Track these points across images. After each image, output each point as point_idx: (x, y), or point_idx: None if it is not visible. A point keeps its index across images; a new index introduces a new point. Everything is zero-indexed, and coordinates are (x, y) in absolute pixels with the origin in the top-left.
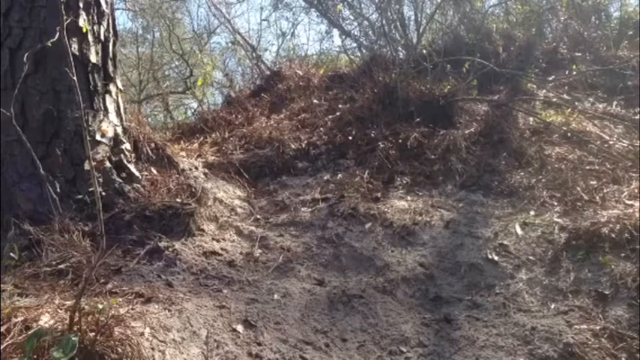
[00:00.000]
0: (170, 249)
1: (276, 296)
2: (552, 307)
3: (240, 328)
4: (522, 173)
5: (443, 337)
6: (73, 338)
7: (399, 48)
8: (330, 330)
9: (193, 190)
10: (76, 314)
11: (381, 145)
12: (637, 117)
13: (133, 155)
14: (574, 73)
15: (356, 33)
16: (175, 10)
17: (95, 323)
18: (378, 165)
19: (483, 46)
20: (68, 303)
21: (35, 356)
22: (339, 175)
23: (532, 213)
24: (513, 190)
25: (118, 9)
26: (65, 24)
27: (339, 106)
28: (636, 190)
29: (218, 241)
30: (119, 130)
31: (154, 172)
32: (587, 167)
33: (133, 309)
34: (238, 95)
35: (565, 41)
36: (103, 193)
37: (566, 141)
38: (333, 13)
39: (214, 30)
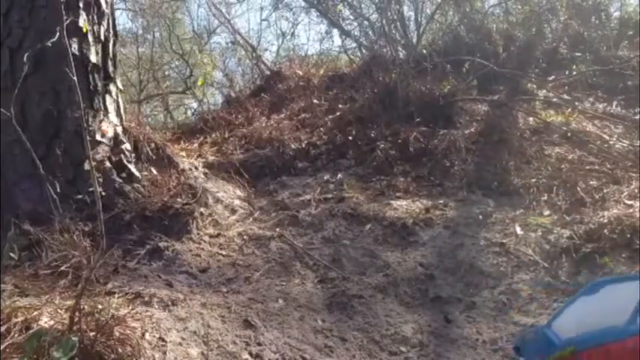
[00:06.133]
0: (170, 249)
1: (276, 296)
2: (552, 307)
3: (240, 328)
4: (522, 173)
5: (443, 337)
6: (73, 338)
7: (399, 48)
8: (330, 330)
9: (193, 190)
10: (76, 314)
11: (381, 145)
12: (637, 117)
13: (133, 155)
14: (574, 73)
15: (356, 33)
16: (175, 10)
17: (95, 323)
18: (378, 165)
19: (483, 46)
20: (68, 303)
21: (35, 356)
22: (339, 175)
23: (532, 213)
24: (513, 190)
25: (118, 9)
26: (65, 24)
27: (339, 106)
28: (636, 190)
29: (218, 241)
30: (119, 130)
31: (154, 172)
32: (587, 167)
33: (133, 309)
34: (238, 95)
35: (565, 41)
36: (103, 193)
37: (566, 141)
38: (333, 13)
39: (214, 30)
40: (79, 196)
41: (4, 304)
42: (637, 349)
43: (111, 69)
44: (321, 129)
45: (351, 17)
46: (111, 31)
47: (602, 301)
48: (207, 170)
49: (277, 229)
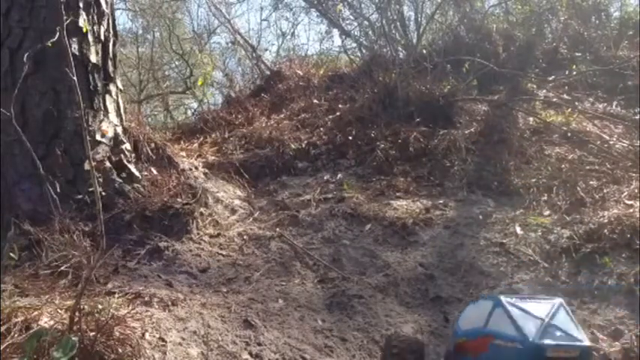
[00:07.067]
0: (170, 249)
1: (276, 296)
2: None
3: (240, 328)
4: (522, 173)
5: (443, 337)
6: (73, 338)
7: (399, 48)
8: (330, 330)
9: (193, 190)
10: (76, 314)
11: (381, 145)
12: (637, 117)
13: (133, 155)
14: (574, 73)
15: (356, 33)
16: (175, 10)
17: (95, 323)
18: (378, 165)
19: (483, 46)
20: (68, 303)
21: (35, 356)
22: (339, 175)
23: (532, 213)
24: (513, 190)
25: (118, 9)
26: (65, 24)
27: (339, 106)
28: (636, 190)
29: (218, 241)
30: (119, 130)
31: (154, 172)
32: (587, 167)
33: (133, 309)
34: (238, 95)
35: (565, 41)
36: (103, 193)
37: (566, 141)
38: (333, 13)
39: (214, 30)
40: (79, 196)
41: (4, 304)
42: (485, 344)
43: (111, 69)
44: (321, 129)
45: (351, 17)
46: (111, 31)
47: (479, 309)
48: (207, 170)
49: (277, 229)
